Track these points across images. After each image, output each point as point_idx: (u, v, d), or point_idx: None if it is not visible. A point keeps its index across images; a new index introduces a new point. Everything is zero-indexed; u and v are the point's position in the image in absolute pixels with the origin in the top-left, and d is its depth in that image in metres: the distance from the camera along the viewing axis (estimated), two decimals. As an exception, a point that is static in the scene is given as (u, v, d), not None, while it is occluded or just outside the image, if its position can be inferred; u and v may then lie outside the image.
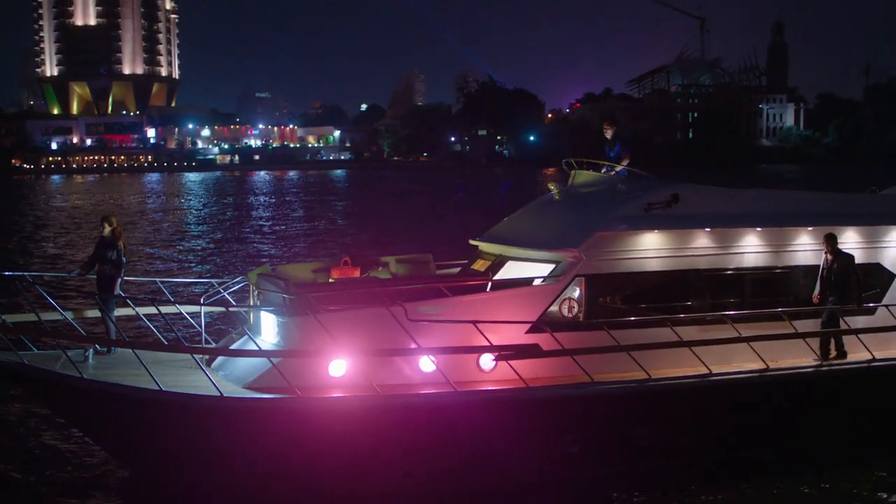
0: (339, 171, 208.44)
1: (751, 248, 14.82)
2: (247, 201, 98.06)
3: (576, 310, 13.76)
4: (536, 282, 13.83)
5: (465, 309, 13.14)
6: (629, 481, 13.35)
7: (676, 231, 14.35)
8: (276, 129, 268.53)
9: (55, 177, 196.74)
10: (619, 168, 15.55)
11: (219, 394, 12.05)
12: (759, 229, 14.82)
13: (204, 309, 14.68)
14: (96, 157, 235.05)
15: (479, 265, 15.59)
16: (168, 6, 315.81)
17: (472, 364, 13.10)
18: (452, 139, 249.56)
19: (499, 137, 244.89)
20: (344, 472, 12.58)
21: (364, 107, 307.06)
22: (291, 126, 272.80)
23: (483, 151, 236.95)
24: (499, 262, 15.02)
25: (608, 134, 15.96)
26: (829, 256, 14.66)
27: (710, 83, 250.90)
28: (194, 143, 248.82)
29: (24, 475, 14.45)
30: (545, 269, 14.07)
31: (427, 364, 12.85)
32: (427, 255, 15.99)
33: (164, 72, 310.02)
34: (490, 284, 14.03)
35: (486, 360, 13.12)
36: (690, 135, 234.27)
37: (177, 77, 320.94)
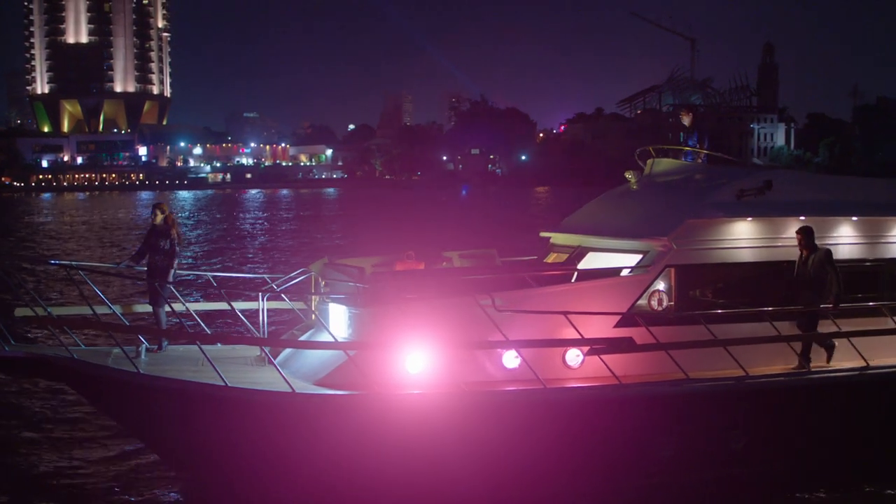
0: (330, 189, 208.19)
1: (846, 239, 14.02)
2: (256, 215, 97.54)
3: (665, 302, 12.93)
4: (624, 272, 13.02)
5: (550, 301, 12.30)
6: (724, 487, 12.49)
7: (770, 219, 13.55)
8: (267, 147, 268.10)
9: (46, 195, 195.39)
10: (702, 155, 14.87)
11: (291, 390, 11.21)
12: (854, 218, 14.05)
13: (264, 304, 13.82)
14: (87, 175, 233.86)
15: (554, 258, 14.81)
16: (160, 24, 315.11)
17: (559, 359, 12.28)
18: (444, 158, 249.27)
19: (491, 157, 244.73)
20: (431, 474, 11.70)
21: (352, 127, 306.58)
22: (283, 145, 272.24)
23: (476, 170, 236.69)
24: (577, 253, 14.24)
25: (686, 121, 15.27)
26: (804, 252, 13.19)
27: (702, 103, 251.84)
28: (186, 162, 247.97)
29: (74, 475, 13.64)
30: (630, 259, 13.28)
31: (510, 359, 12.04)
32: (491, 250, 15.25)
33: (155, 90, 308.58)
34: (575, 275, 13.23)
35: (573, 356, 12.30)
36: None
37: (168, 95, 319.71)
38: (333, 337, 11.79)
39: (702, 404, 12.20)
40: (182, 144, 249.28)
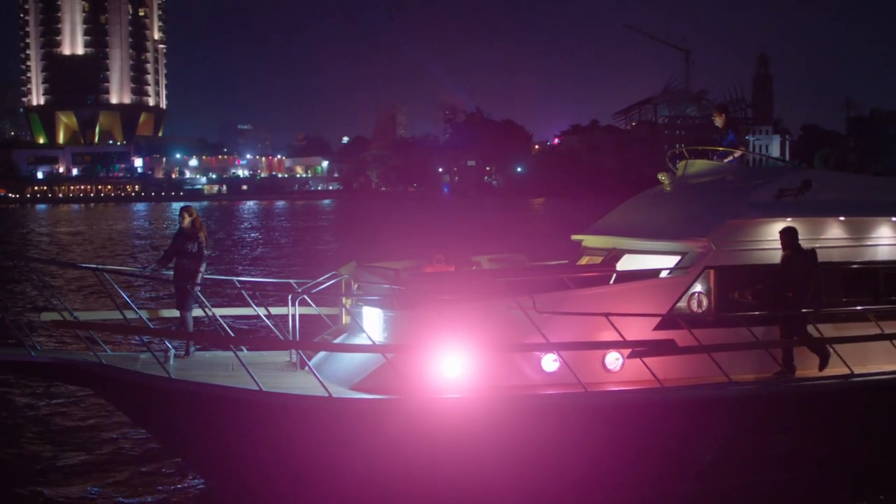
0: (327, 201, 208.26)
1: (887, 240, 13.80)
2: (252, 224, 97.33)
3: (704, 304, 12.70)
4: (662, 274, 12.80)
5: (589, 303, 12.07)
6: (767, 492, 12.26)
7: (810, 219, 13.33)
8: (263, 159, 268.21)
9: (40, 206, 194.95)
10: (735, 155, 14.68)
11: (327, 394, 10.94)
12: (895, 219, 13.85)
13: (296, 309, 13.53)
14: (83, 187, 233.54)
15: (587, 262, 14.59)
16: (157, 36, 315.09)
17: (598, 362, 12.03)
18: (440, 170, 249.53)
19: (488, 168, 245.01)
20: (470, 480, 11.41)
21: (346, 139, 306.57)
22: (279, 156, 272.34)
23: (472, 182, 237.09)
24: (612, 255, 14.01)
25: (719, 122, 15.07)
26: (787, 252, 12.71)
27: (697, 115, 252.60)
28: (182, 173, 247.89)
29: (101, 483, 13.35)
30: (668, 261, 13.07)
31: (549, 362, 11.79)
32: (520, 255, 15.04)
33: (151, 101, 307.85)
34: (614, 276, 13.00)
35: (613, 359, 12.04)
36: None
37: (164, 107, 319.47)
38: (372, 340, 11.54)
39: (746, 408, 11.95)
40: (178, 156, 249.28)
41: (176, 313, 13.65)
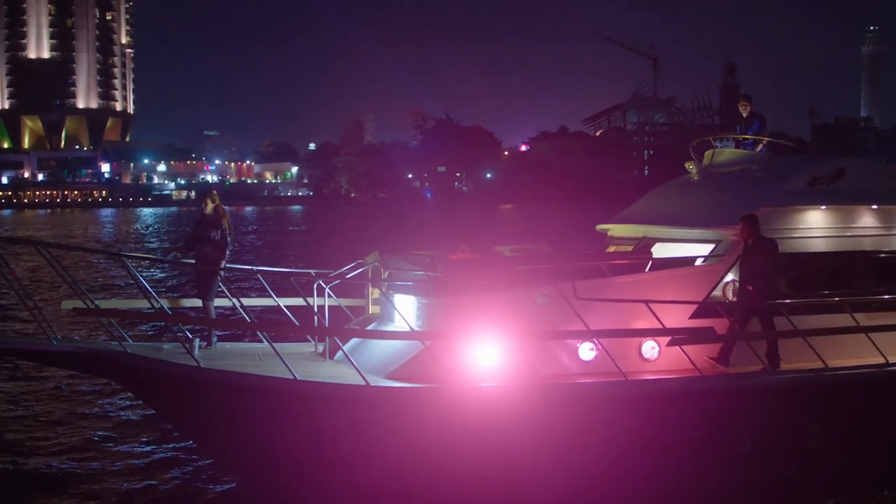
0: (296, 207, 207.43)
1: None
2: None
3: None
4: (697, 262, 12.75)
5: (627, 290, 11.96)
6: (802, 485, 12.15)
7: (843, 207, 13.30)
8: (232, 165, 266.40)
9: (5, 211, 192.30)
10: (761, 145, 14.71)
11: (365, 383, 10.77)
12: None
13: (326, 298, 13.32)
14: (49, 192, 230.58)
15: (615, 251, 14.53)
16: (124, 40, 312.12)
17: (635, 351, 11.97)
18: (410, 176, 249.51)
19: (457, 174, 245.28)
20: (511, 469, 11.28)
21: (312, 146, 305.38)
22: (248, 162, 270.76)
23: (442, 188, 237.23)
24: (643, 244, 13.93)
25: (744, 111, 15.09)
26: (749, 241, 12.29)
27: (665, 121, 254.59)
28: (150, 179, 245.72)
29: (128, 477, 13.06)
30: (702, 249, 12.97)
31: (586, 350, 11.71)
32: (543, 246, 14.95)
33: (118, 106, 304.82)
34: (650, 263, 12.95)
35: (649, 347, 11.99)
36: (647, 172, 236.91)
37: (132, 112, 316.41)
38: (410, 327, 11.37)
39: (784, 397, 11.88)
40: (146, 161, 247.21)
41: (197, 302, 13.41)
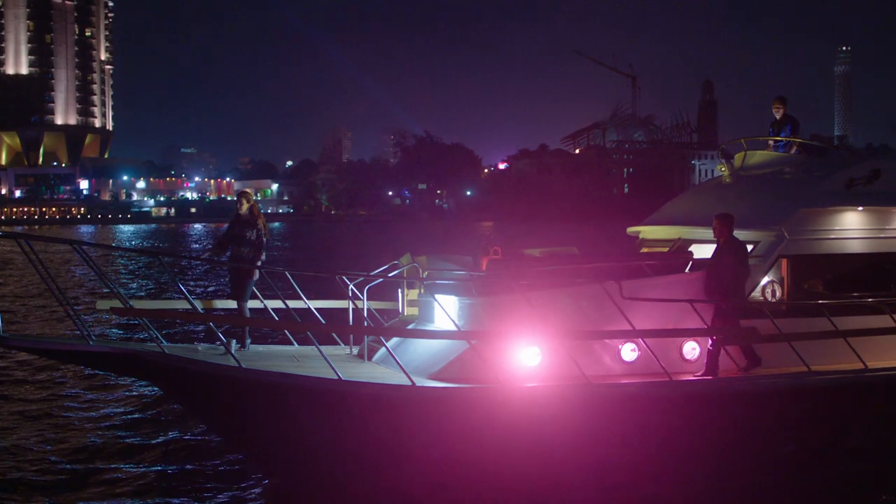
0: (276, 224, 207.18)
1: None
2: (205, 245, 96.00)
3: (778, 293, 12.73)
4: None
5: (669, 290, 12.04)
6: (845, 486, 12.22)
7: (879, 209, 13.38)
8: (212, 182, 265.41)
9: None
10: (795, 147, 14.80)
11: (410, 383, 10.71)
12: None
13: (365, 298, 13.26)
14: (26, 209, 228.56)
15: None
16: (103, 57, 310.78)
17: (676, 351, 11.99)
18: (390, 193, 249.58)
19: (438, 191, 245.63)
20: (556, 468, 11.24)
21: (290, 163, 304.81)
22: (228, 179, 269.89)
23: (424, 205, 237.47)
24: (679, 246, 13.97)
25: (777, 114, 15.11)
26: (721, 240, 12.21)
27: (644, 139, 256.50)
28: (129, 196, 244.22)
29: (164, 479, 12.98)
30: None
31: (628, 350, 11.73)
32: (573, 248, 14.98)
33: (97, 123, 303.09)
34: (690, 264, 12.97)
35: (690, 348, 12.02)
36: (626, 189, 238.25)
37: (111, 129, 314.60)
38: (458, 326, 11.32)
39: (827, 397, 11.90)
40: (125, 178, 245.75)
41: (230, 304, 13.29)
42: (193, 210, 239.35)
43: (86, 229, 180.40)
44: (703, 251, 13.65)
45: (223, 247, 13.20)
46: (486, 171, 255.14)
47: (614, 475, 11.40)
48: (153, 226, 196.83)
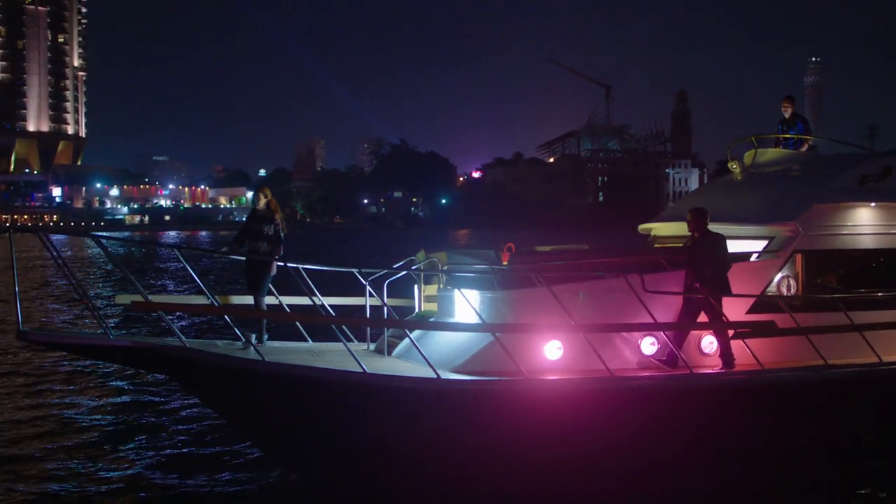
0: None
1: None
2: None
3: (793, 288, 12.99)
4: (752, 258, 13.04)
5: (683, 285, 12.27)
6: (853, 480, 12.40)
7: (892, 205, 13.61)
8: (186, 189, 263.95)
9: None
10: (807, 145, 15.09)
11: (435, 376, 10.82)
12: None
13: (384, 293, 13.35)
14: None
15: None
16: (76, 63, 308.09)
17: (694, 345, 12.22)
18: (366, 201, 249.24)
19: (414, 199, 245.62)
20: (581, 460, 11.41)
21: (263, 171, 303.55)
22: (203, 187, 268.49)
23: (399, 213, 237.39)
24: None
25: (786, 112, 15.33)
26: (696, 234, 12.33)
27: (619, 148, 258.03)
28: (102, 203, 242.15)
29: (186, 475, 12.92)
30: (754, 245, 13.24)
31: (647, 344, 11.95)
32: (583, 246, 15.18)
33: (70, 130, 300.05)
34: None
35: (707, 342, 12.26)
36: (601, 198, 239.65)
37: (83, 136, 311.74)
38: (482, 319, 11.44)
39: (841, 391, 12.12)
40: (98, 185, 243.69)
41: (247, 299, 13.28)
42: (167, 218, 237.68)
43: (58, 237, 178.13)
44: None
45: (240, 241, 13.12)
46: (460, 178, 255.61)
47: (638, 467, 11.59)
48: (126, 233, 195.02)
